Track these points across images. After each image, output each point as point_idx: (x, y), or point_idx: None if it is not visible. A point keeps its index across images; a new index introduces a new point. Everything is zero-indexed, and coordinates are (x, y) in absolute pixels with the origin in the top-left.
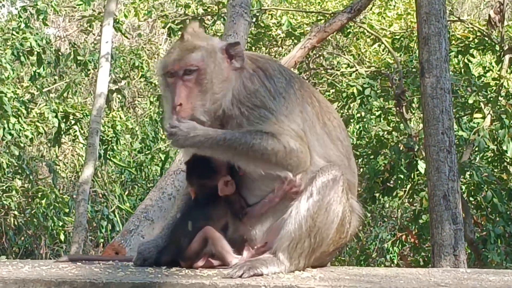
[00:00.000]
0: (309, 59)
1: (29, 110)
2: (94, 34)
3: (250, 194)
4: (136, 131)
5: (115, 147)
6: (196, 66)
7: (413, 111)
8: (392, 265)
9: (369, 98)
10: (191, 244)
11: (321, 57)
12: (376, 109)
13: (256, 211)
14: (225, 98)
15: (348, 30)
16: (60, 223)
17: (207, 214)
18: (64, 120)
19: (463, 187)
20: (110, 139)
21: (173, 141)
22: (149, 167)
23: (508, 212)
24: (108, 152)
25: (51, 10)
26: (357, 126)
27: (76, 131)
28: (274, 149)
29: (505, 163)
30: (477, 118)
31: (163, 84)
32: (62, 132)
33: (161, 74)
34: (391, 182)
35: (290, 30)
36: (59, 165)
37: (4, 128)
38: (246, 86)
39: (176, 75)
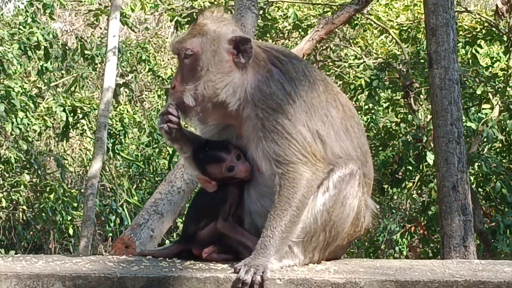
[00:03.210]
0: (316, 51)
1: (36, 104)
2: (100, 28)
3: (256, 192)
4: (144, 124)
5: (123, 141)
6: (191, 51)
7: (421, 102)
8: (401, 256)
9: (377, 89)
10: (203, 231)
11: (329, 49)
12: (384, 100)
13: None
14: (225, 91)
15: (355, 22)
16: (69, 218)
17: (215, 201)
18: (71, 114)
19: (472, 178)
20: (118, 132)
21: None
22: (157, 160)
23: None
24: (116, 146)
25: (57, 4)
26: (365, 118)
27: (84, 125)
28: (303, 195)
29: None
30: (485, 108)
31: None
32: (70, 126)
33: (173, 54)
34: (400, 173)
35: (296, 22)
36: (67, 160)
37: (12, 123)
38: (261, 89)
39: (179, 57)
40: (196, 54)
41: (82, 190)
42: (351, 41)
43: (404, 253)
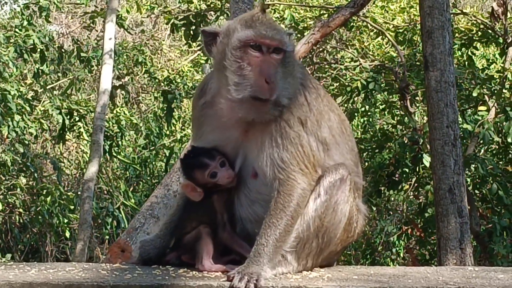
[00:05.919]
0: (313, 53)
1: (33, 107)
2: (97, 30)
3: (247, 198)
4: (141, 127)
5: (119, 143)
6: (286, 47)
7: (417, 105)
8: (398, 258)
9: (373, 92)
10: (188, 235)
11: (325, 51)
12: (380, 103)
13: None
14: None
15: (351, 24)
16: (65, 221)
17: (206, 209)
18: (68, 117)
19: (468, 180)
20: (114, 134)
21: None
22: (153, 163)
23: None
24: (113, 148)
25: (53, 7)
26: (362, 120)
27: (80, 127)
28: (297, 204)
29: (510, 155)
30: (481, 110)
31: (239, 54)
32: (66, 129)
33: (244, 44)
34: (396, 175)
35: (293, 24)
36: (63, 162)
37: (8, 126)
38: (297, 96)
39: (264, 50)
40: (287, 50)
41: (79, 193)
42: (347, 43)
43: (401, 255)
